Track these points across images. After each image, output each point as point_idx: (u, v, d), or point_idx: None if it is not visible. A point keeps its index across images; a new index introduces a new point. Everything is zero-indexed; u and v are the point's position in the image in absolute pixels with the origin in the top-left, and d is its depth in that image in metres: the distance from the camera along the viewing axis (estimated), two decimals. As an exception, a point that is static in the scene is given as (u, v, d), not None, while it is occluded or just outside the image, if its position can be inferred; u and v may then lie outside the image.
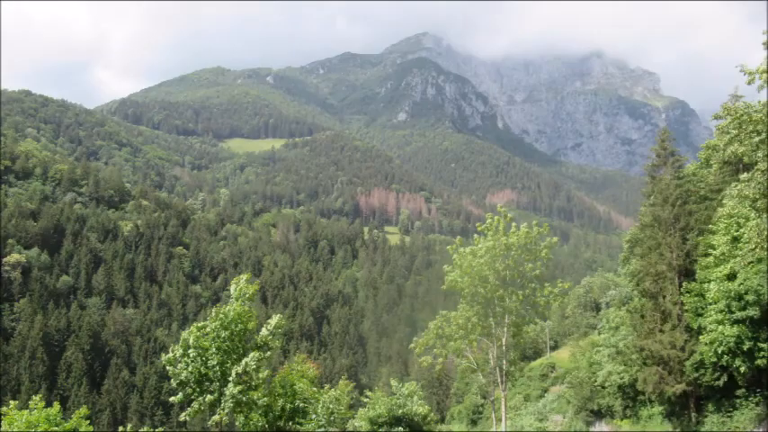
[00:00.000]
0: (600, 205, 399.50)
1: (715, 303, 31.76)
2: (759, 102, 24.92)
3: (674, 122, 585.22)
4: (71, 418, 21.81)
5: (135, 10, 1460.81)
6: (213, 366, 20.16)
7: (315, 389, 25.24)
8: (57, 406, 21.92)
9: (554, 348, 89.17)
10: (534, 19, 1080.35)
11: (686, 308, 34.86)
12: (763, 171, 23.83)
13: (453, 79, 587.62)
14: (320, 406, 26.23)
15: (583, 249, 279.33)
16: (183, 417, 20.33)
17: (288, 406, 22.15)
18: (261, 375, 20.77)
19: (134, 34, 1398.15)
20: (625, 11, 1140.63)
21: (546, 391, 69.80)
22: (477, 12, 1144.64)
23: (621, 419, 44.58)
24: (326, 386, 28.90)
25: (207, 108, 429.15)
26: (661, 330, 35.57)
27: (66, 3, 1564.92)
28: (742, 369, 30.27)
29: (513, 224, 33.32)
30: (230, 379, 19.87)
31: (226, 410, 19.84)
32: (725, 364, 31.39)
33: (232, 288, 21.56)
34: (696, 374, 33.58)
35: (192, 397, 20.35)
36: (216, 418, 20.05)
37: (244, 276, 21.85)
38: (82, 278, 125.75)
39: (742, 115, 24.30)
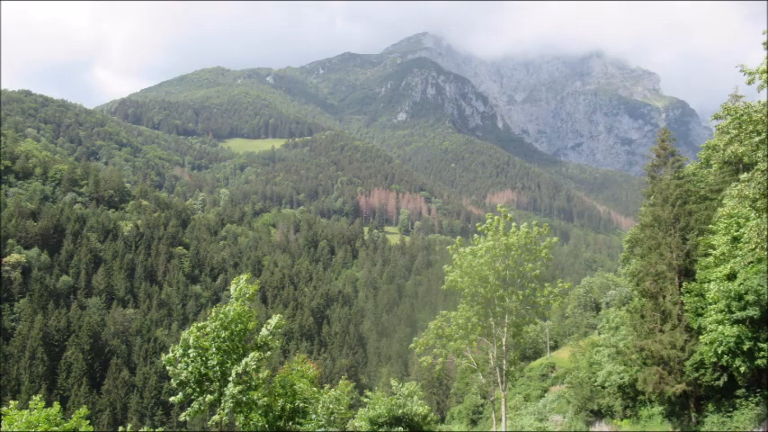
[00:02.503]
0: (600, 205, 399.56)
1: (715, 303, 31.73)
2: (759, 102, 24.91)
3: (674, 122, 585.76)
4: (71, 418, 21.81)
5: (135, 10, 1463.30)
6: (213, 366, 20.15)
7: (315, 389, 25.21)
8: (57, 406, 21.92)
9: (554, 348, 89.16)
10: (534, 19, 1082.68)
11: (686, 308, 34.85)
12: (763, 171, 23.84)
13: (453, 79, 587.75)
14: (320, 406, 26.21)
15: (583, 249, 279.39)
16: (183, 417, 20.31)
17: (288, 406, 22.12)
18: (261, 375, 20.77)
19: (134, 34, 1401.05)
20: (625, 11, 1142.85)
21: (546, 391, 69.79)
22: (477, 12, 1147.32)
23: (621, 419, 44.58)
24: (326, 386, 28.87)
25: (207, 108, 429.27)
26: (661, 330, 35.58)
27: (66, 3, 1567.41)
28: (742, 369, 30.25)
29: (513, 224, 33.30)
30: (230, 379, 19.86)
31: (226, 410, 19.83)
32: (725, 364, 31.38)
33: (232, 288, 21.54)
34: (696, 374, 33.58)
35: (192, 397, 20.33)
36: (216, 418, 20.04)
37: (244, 276, 21.82)
38: (82, 278, 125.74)
39: (742, 115, 24.30)
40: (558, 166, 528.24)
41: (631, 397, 43.60)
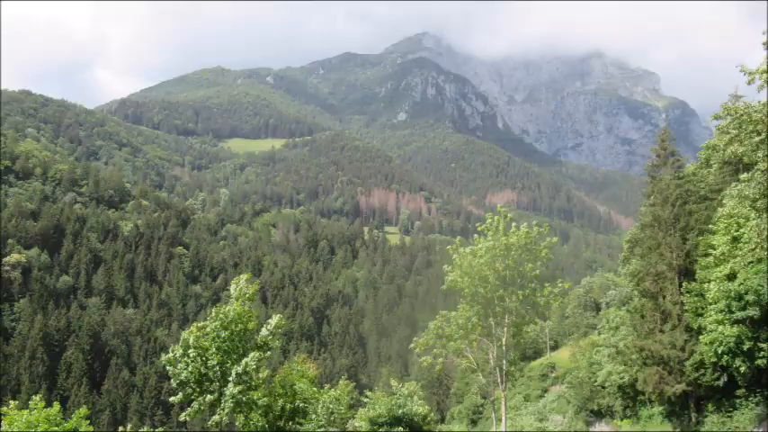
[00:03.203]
0: (600, 205, 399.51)
1: (715, 303, 31.71)
2: (759, 102, 24.89)
3: (674, 122, 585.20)
4: (71, 418, 21.78)
5: (135, 10, 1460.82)
6: (213, 366, 20.15)
7: (315, 389, 25.23)
8: (57, 406, 21.89)
9: (554, 348, 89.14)
10: (534, 19, 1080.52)
11: (686, 308, 34.84)
12: (763, 171, 23.84)
13: (453, 79, 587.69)
14: (320, 406, 26.21)
15: (583, 249, 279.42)
16: (183, 417, 20.31)
17: (288, 406, 22.13)
18: (261, 375, 20.76)
19: (134, 34, 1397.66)
20: (625, 11, 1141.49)
21: (546, 391, 69.83)
22: (477, 12, 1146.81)
23: (621, 419, 44.59)
24: (326, 386, 28.87)
25: (207, 108, 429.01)
26: (661, 330, 35.57)
27: (66, 3, 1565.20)
28: (742, 369, 30.24)
29: (513, 224, 33.24)
30: (230, 379, 19.86)
31: (226, 410, 19.82)
32: (725, 364, 31.36)
33: (232, 288, 21.54)
34: (696, 374, 33.57)
35: (192, 397, 20.33)
36: (216, 418, 20.03)
37: (244, 276, 21.82)
38: (82, 278, 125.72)
39: (742, 115, 24.29)
40: (558, 166, 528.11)
41: (631, 397, 43.58)
